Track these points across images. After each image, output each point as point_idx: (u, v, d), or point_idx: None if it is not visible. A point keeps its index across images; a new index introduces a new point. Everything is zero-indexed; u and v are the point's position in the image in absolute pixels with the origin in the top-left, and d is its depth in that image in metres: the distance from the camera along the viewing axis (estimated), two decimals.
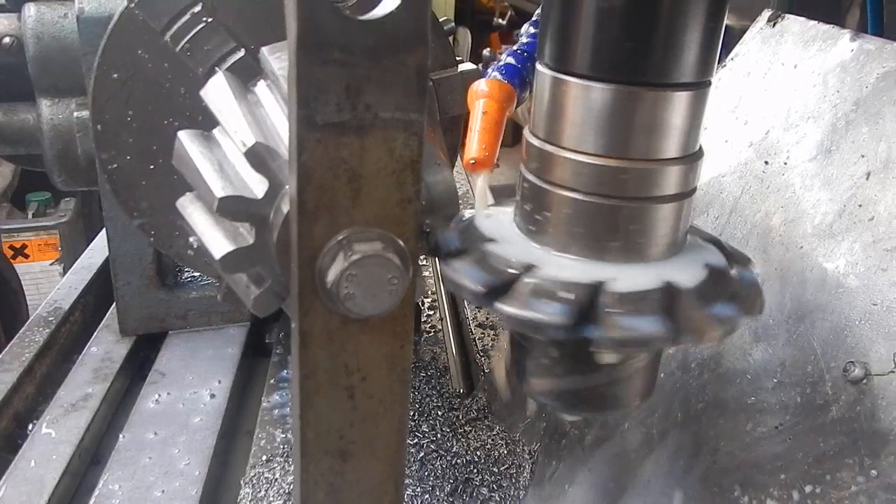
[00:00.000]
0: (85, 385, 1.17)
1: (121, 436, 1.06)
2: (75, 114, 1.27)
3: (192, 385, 1.18)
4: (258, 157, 0.61)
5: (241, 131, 0.62)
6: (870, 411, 0.59)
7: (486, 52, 4.63)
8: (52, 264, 3.35)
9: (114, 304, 1.40)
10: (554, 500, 0.86)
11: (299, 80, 0.49)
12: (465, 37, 5.64)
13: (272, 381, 1.20)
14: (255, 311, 0.66)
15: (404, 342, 0.59)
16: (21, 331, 1.29)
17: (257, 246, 0.63)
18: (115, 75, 0.84)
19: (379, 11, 0.50)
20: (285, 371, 1.23)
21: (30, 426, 1.14)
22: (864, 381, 0.60)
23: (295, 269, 0.55)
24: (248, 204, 0.61)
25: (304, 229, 0.53)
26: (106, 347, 1.27)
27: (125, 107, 0.85)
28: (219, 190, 0.61)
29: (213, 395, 1.16)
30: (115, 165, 0.88)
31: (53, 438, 1.05)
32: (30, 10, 1.26)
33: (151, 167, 0.89)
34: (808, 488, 0.60)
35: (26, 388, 1.19)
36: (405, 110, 0.52)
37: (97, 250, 1.61)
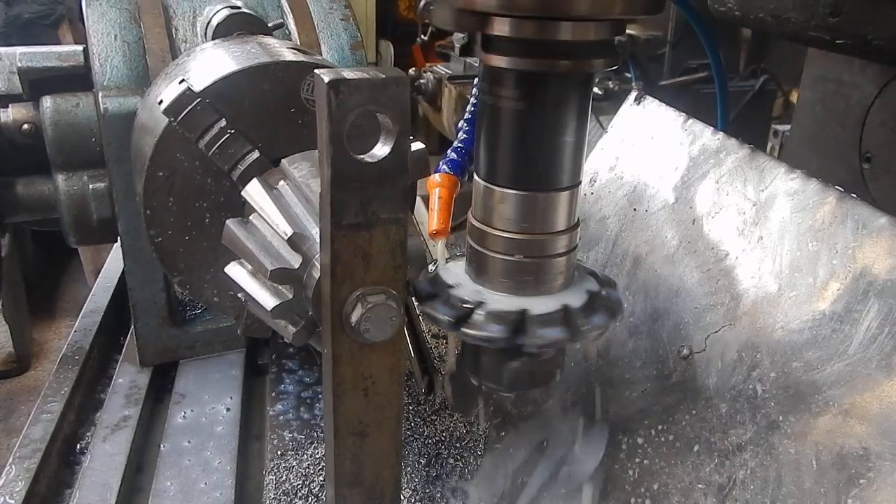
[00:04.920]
0: (121, 409, 1.44)
1: (161, 445, 1.34)
2: (90, 185, 1.54)
3: (209, 402, 1.46)
4: (294, 242, 0.92)
5: (280, 224, 0.93)
6: (692, 376, 0.94)
7: (411, 71, 4.94)
8: None
9: (125, 339, 1.68)
10: (503, 461, 1.19)
11: (332, 199, 0.80)
12: (387, 49, 5.88)
13: (273, 394, 1.50)
14: (295, 342, 0.96)
15: (399, 357, 0.90)
16: (55, 369, 1.54)
17: (295, 299, 0.94)
18: (161, 173, 1.12)
19: (378, 153, 0.81)
20: (282, 385, 1.53)
21: (77, 446, 1.41)
22: (689, 357, 0.95)
23: (328, 315, 0.86)
24: (290, 272, 0.92)
25: (334, 290, 0.84)
26: (130, 377, 1.54)
27: (167, 196, 1.14)
28: (269, 264, 0.92)
29: (228, 409, 1.45)
30: (160, 239, 1.16)
31: (108, 451, 1.32)
32: (47, 102, 1.51)
33: (187, 238, 1.18)
34: (659, 427, 0.95)
35: (69, 415, 1.45)
36: (396, 212, 0.83)
37: (99, 295, 1.86)
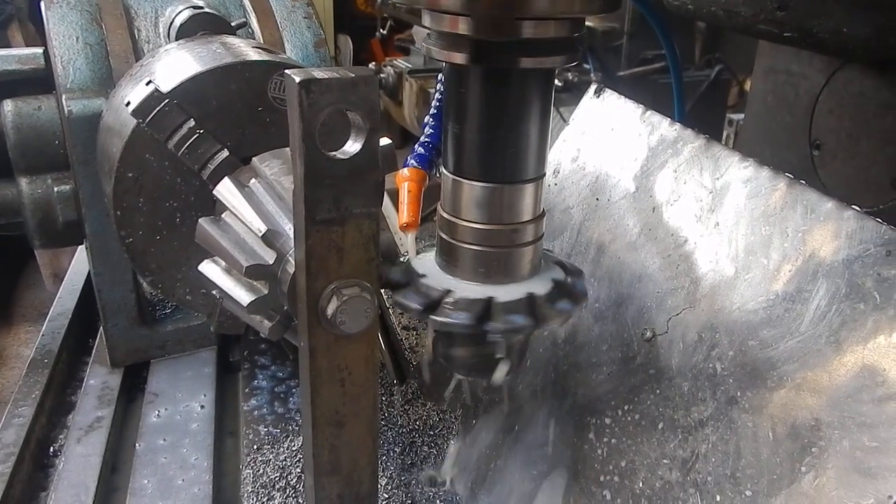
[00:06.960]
0: (94, 410, 1.44)
1: (137, 444, 1.35)
2: (55, 188, 1.53)
3: (183, 400, 1.47)
4: (268, 238, 0.94)
5: (253, 221, 0.94)
6: (655, 357, 0.98)
7: (371, 65, 4.94)
8: None
9: (94, 340, 1.67)
10: (475, 446, 1.22)
11: (306, 196, 0.82)
12: (346, 44, 5.87)
13: (246, 390, 1.51)
14: (271, 337, 0.98)
15: (373, 347, 0.93)
16: (24, 373, 1.53)
17: (270, 294, 0.96)
18: (130, 174, 1.13)
19: (349, 150, 0.83)
20: (255, 381, 1.54)
21: (51, 449, 1.40)
22: (652, 339, 0.99)
23: (304, 309, 0.88)
24: (265, 268, 0.94)
25: (310, 284, 0.86)
26: (102, 378, 1.53)
27: (137, 196, 1.15)
28: (244, 261, 0.94)
29: (202, 406, 1.45)
30: (130, 240, 1.17)
31: (82, 453, 1.32)
32: (8, 106, 1.50)
33: (158, 238, 1.18)
34: (626, 407, 0.99)
35: (41, 418, 1.44)
36: (368, 207, 0.85)
37: (65, 298, 1.85)
